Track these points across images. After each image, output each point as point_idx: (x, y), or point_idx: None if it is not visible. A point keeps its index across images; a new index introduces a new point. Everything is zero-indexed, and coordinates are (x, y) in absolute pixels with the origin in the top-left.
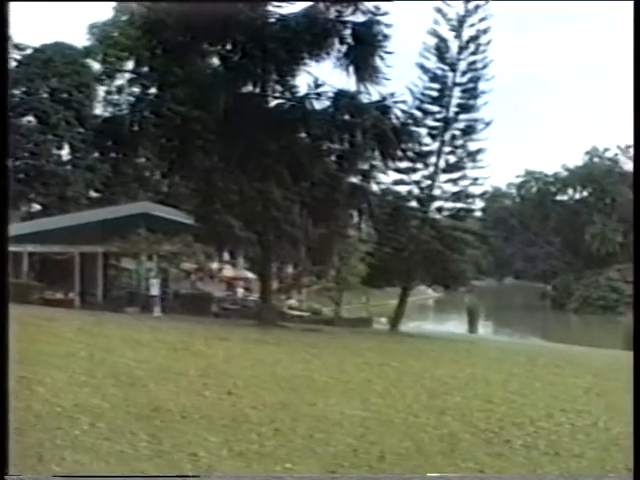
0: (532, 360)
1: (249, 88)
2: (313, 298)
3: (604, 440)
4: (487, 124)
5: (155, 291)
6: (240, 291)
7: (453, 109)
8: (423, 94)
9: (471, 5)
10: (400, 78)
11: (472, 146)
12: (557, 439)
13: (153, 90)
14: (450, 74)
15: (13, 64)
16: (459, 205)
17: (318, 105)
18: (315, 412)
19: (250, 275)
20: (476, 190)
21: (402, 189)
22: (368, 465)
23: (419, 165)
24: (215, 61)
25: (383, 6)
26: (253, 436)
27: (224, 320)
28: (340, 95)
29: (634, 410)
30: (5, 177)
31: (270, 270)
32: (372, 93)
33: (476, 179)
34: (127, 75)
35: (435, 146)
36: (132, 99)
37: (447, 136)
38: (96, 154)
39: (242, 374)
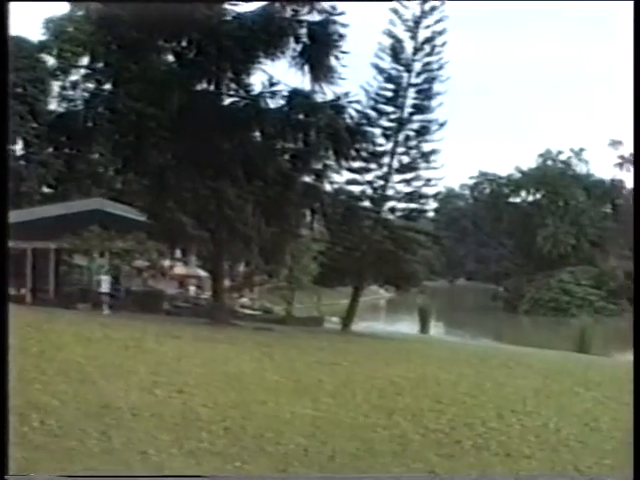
0: (483, 361)
1: (204, 86)
2: (265, 297)
3: (554, 441)
4: (441, 125)
5: (105, 288)
6: (192, 289)
7: (407, 110)
8: (378, 94)
9: (427, 6)
10: (355, 78)
11: (426, 147)
12: (507, 440)
13: (108, 86)
14: (405, 75)
15: None
16: (412, 205)
17: (272, 104)
18: (266, 411)
19: (202, 273)
20: (429, 191)
21: (355, 189)
22: (319, 465)
23: (372, 165)
24: (170, 58)
25: (339, 6)
26: (204, 434)
27: (176, 318)
28: (295, 94)
29: (634, 410)
30: (5, 177)
31: (222, 268)
32: (327, 92)
33: (429, 180)
34: (82, 71)
35: (389, 146)
36: (87, 95)
37: (401, 136)
38: (50, 149)
39: (193, 372)
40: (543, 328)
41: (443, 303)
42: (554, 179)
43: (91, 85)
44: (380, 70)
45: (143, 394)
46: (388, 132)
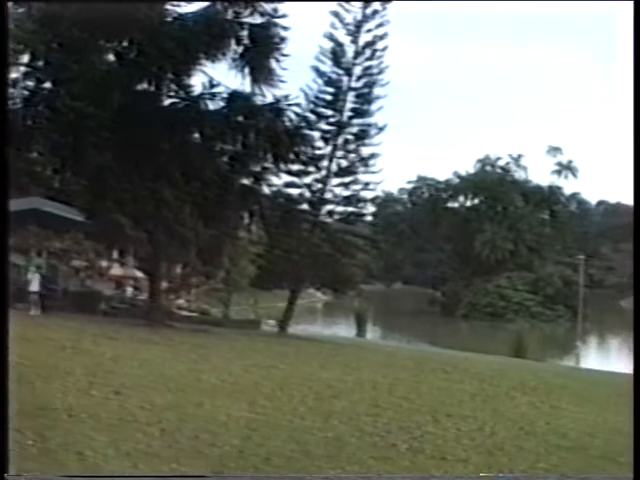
0: (419, 365)
1: (144, 86)
2: (202, 299)
3: (489, 445)
4: (380, 129)
5: (35, 287)
6: (129, 290)
7: (347, 113)
8: (317, 97)
9: (369, 10)
10: (295, 81)
11: (365, 151)
12: (443, 443)
13: (48, 85)
14: (345, 78)
15: None
16: (350, 209)
17: (212, 105)
18: (202, 413)
19: (139, 274)
20: (367, 195)
21: (294, 192)
22: (254, 467)
23: (311, 168)
24: (111, 58)
25: (281, 8)
26: (140, 436)
27: (113, 319)
28: (234, 96)
29: (634, 411)
30: (6, 177)
31: (160, 270)
32: (267, 95)
33: (368, 184)
34: (22, 69)
35: (328, 150)
36: (26, 93)
37: (340, 140)
38: None
39: (130, 374)
40: (480, 333)
41: (380, 307)
42: (492, 185)
43: (31, 83)
44: (320, 73)
45: (80, 395)
46: (327, 135)
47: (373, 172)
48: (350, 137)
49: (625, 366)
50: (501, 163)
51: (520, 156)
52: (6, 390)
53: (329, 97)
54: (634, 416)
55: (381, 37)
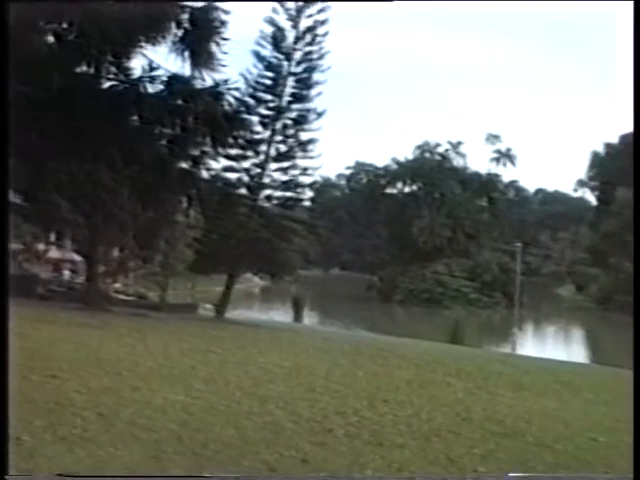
0: (356, 351)
1: (84, 68)
2: (139, 282)
3: (426, 431)
4: (319, 115)
5: None
6: (67, 273)
7: (286, 98)
8: (257, 82)
9: None
10: (235, 65)
11: (303, 136)
12: (380, 429)
13: None
14: (285, 63)
15: None
16: (288, 194)
17: (152, 89)
18: (139, 397)
19: (77, 257)
20: (306, 180)
21: (232, 176)
22: (192, 452)
23: (250, 153)
24: (51, 39)
25: None
26: (77, 420)
27: (50, 302)
28: (174, 79)
29: (634, 411)
30: (6, 176)
31: (97, 253)
32: (206, 79)
33: (306, 169)
34: None
35: (266, 134)
36: None
37: (279, 125)
38: None
39: (67, 357)
40: (417, 319)
41: (318, 292)
42: (431, 171)
43: None
44: (260, 58)
45: (16, 379)
46: (266, 120)
47: (311, 157)
48: (289, 122)
49: (561, 353)
50: (440, 150)
51: (459, 143)
52: (6, 390)
53: (269, 82)
54: (634, 416)
55: (322, 22)
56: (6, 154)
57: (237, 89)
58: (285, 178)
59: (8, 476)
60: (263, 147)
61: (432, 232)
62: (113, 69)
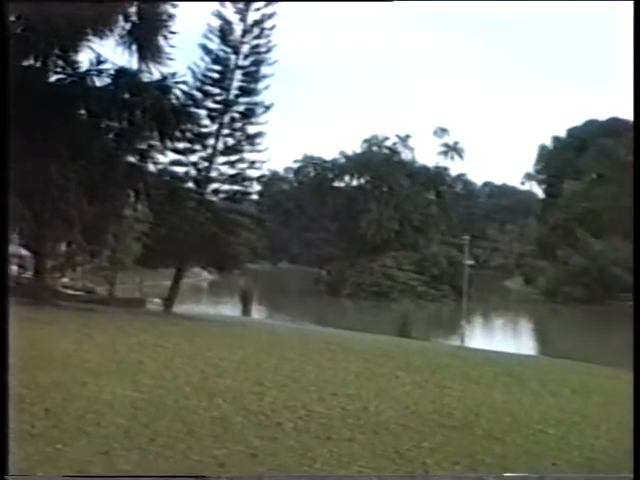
0: (305, 344)
1: (30, 62)
2: (87, 277)
3: (374, 424)
4: (267, 108)
5: None
6: (14, 268)
7: (234, 92)
8: (204, 75)
9: None
10: (183, 59)
11: (251, 129)
12: (328, 423)
13: None
14: (233, 57)
15: None
16: (236, 188)
17: (99, 82)
18: (87, 392)
19: (25, 252)
20: (253, 173)
21: (180, 170)
22: (139, 447)
23: (197, 147)
24: None
25: None
26: (25, 416)
27: None
28: (121, 73)
29: (634, 410)
30: (6, 176)
31: (45, 248)
32: (154, 72)
33: (253, 162)
34: None
35: (214, 128)
36: None
37: (226, 118)
38: None
39: (15, 353)
40: (365, 312)
41: (266, 286)
42: (379, 164)
43: None
44: (208, 51)
45: None
46: (214, 114)
47: (259, 151)
48: (237, 115)
49: (509, 345)
50: (388, 143)
51: (407, 136)
52: (6, 390)
53: (216, 75)
54: (634, 416)
55: (269, 16)
56: (6, 154)
57: (185, 82)
58: (233, 172)
59: (8, 476)
60: (211, 141)
61: (380, 225)
62: (60, 62)
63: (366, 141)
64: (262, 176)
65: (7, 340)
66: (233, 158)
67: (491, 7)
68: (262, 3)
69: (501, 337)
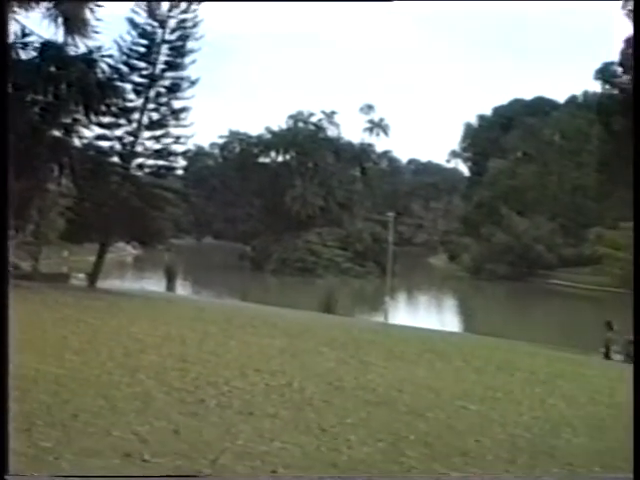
0: (229, 320)
1: None
2: (12, 252)
3: (298, 400)
4: (193, 83)
5: None
6: None
7: (160, 66)
8: (131, 49)
9: None
10: (109, 32)
11: (176, 104)
12: (251, 399)
13: None
14: (159, 31)
15: None
16: (161, 163)
17: (24, 55)
18: (9, 369)
19: None
20: (178, 148)
21: (105, 144)
22: (61, 424)
23: (122, 121)
24: None
25: None
26: None
27: None
28: (47, 46)
29: (634, 410)
30: (5, 175)
31: None
32: (80, 46)
33: (179, 137)
34: None
35: (139, 102)
36: None
37: (152, 93)
38: None
39: None
40: (290, 288)
41: (191, 261)
42: (304, 141)
43: None
44: (134, 25)
45: None
46: (139, 88)
47: (184, 126)
48: (162, 90)
49: (433, 322)
50: (314, 119)
51: (333, 113)
52: (6, 390)
53: (142, 49)
54: (634, 416)
55: None
56: (6, 155)
57: (111, 56)
58: (158, 146)
59: (8, 476)
60: (136, 115)
61: (305, 201)
62: None
63: (292, 117)
64: (187, 151)
65: (7, 340)
66: (158, 133)
67: None
68: None
69: (425, 314)
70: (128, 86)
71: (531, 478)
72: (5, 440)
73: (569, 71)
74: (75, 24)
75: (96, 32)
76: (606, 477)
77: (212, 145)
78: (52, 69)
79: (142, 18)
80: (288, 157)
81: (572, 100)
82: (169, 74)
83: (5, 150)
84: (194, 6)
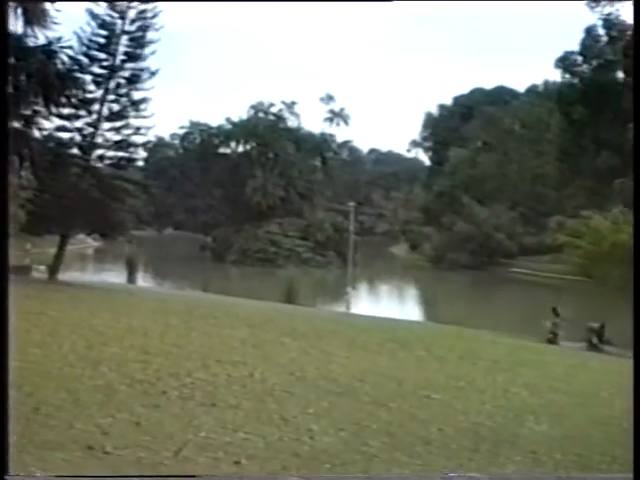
0: (190, 311)
1: None
2: None
3: (259, 391)
4: (153, 73)
5: None
6: None
7: (120, 57)
8: (90, 40)
9: None
10: (69, 23)
11: (136, 95)
12: (213, 390)
13: None
14: (119, 21)
15: None
16: (121, 154)
17: None
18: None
19: None
20: (138, 139)
21: (64, 136)
22: (24, 417)
23: (82, 112)
24: None
25: None
26: None
27: None
28: None
29: (634, 410)
30: (5, 175)
31: None
32: (39, 37)
33: (139, 128)
34: None
35: (99, 94)
36: None
37: (112, 84)
38: None
39: None
40: (250, 278)
41: (151, 253)
42: (265, 131)
43: None
44: (94, 16)
45: None
46: (99, 79)
47: (144, 117)
48: (122, 81)
49: (395, 311)
50: (274, 110)
51: (293, 103)
52: (6, 390)
53: (102, 40)
54: (634, 415)
55: None
56: (6, 154)
57: (70, 47)
58: (118, 138)
59: (8, 476)
60: (96, 106)
61: (265, 192)
62: None
63: (252, 107)
64: (147, 142)
65: (7, 339)
66: (118, 124)
67: None
68: None
69: (387, 303)
70: (88, 77)
71: (531, 477)
72: (5, 440)
73: (529, 60)
74: (34, 15)
75: (55, 23)
76: (606, 477)
77: (172, 136)
78: (12, 60)
79: (102, 9)
80: (248, 147)
81: (532, 89)
82: (129, 65)
83: (5, 150)
84: None
